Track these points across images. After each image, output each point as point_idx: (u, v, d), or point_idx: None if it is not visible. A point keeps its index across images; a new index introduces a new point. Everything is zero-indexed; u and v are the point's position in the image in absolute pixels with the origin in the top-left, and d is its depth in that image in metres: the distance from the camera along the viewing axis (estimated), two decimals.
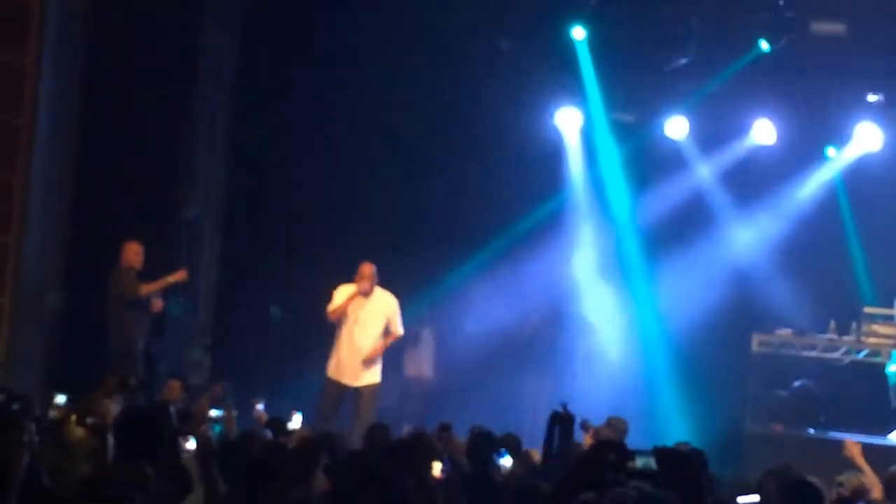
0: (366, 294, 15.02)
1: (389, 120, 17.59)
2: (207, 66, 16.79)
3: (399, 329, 15.28)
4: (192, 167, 16.75)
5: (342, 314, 14.99)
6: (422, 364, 17.94)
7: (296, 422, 11.87)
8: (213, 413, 11.71)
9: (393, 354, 17.54)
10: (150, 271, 14.77)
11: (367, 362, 15.02)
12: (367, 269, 15.06)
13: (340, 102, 17.47)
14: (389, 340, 15.23)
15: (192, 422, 10.28)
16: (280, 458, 7.97)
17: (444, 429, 11.06)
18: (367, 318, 15.06)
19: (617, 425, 12.19)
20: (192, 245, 16.63)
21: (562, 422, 10.06)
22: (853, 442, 11.47)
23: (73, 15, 15.34)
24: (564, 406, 10.14)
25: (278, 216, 17.46)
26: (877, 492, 10.48)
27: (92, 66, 15.77)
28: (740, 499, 6.79)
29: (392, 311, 15.20)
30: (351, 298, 14.99)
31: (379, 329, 15.12)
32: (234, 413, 12.72)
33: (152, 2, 16.05)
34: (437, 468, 8.79)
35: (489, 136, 17.70)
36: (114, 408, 10.24)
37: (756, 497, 6.80)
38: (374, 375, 15.11)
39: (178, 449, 8.86)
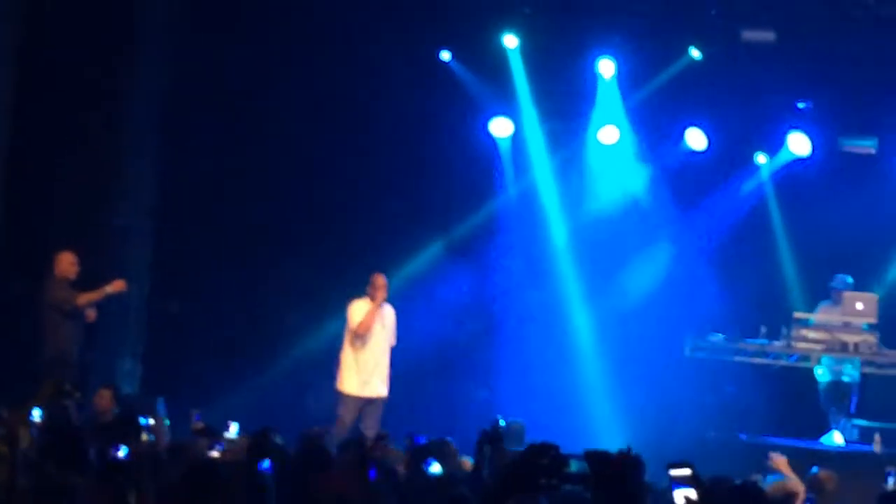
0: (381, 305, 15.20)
1: (322, 128, 17.54)
2: (137, 74, 16.67)
3: (395, 339, 15.41)
4: (122, 175, 16.62)
5: (369, 328, 15.02)
6: None
7: (232, 432, 11.80)
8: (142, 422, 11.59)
9: (333, 364, 17.53)
10: (80, 279, 14.65)
11: (383, 373, 15.19)
12: (382, 279, 15.23)
13: (272, 111, 17.40)
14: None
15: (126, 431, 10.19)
16: (214, 470, 7.90)
17: (381, 437, 11.05)
18: (381, 329, 15.20)
19: (514, 430, 12.19)
20: (122, 253, 16.51)
21: (492, 439, 10.11)
22: (779, 455, 11.57)
23: (2, 24, 15.21)
24: (495, 423, 10.17)
25: (210, 223, 17.36)
26: (802, 496, 10.63)
27: (23, 74, 15.65)
28: (672, 471, 6.78)
29: (394, 322, 15.36)
30: (374, 311, 15.09)
31: (389, 340, 15.26)
32: (166, 423, 12.66)
33: (84, 10, 15.94)
34: (362, 476, 8.78)
35: (423, 144, 17.70)
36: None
37: (688, 470, 6.80)
38: (385, 387, 15.27)
39: (110, 460, 8.78)
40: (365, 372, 15.11)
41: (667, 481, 7.17)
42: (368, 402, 15.15)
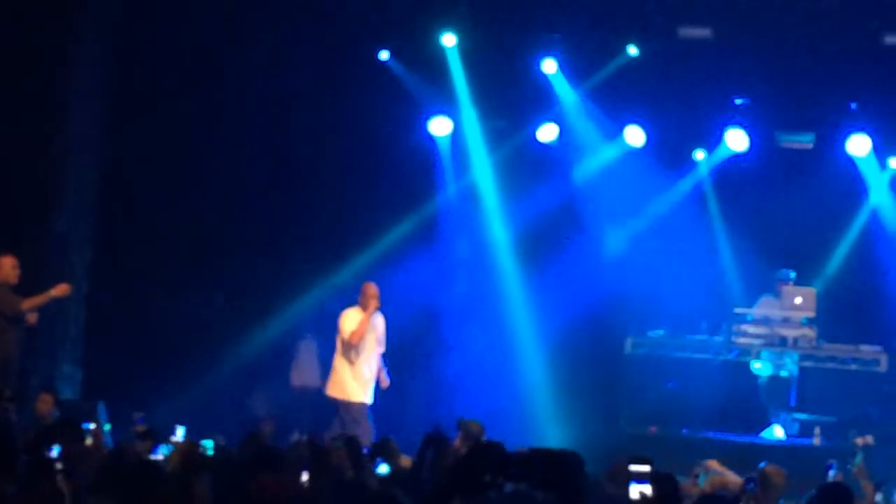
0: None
1: (262, 129, 17.49)
2: (77, 77, 16.54)
3: (384, 346, 15.33)
4: (61, 179, 16.49)
5: (364, 336, 14.98)
6: (305, 375, 17.85)
7: (179, 435, 11.73)
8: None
9: (281, 366, 17.50)
10: (18, 283, 14.52)
11: (372, 382, 15.11)
12: (374, 288, 15.11)
13: (214, 112, 17.31)
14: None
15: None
16: (154, 474, 7.83)
17: (333, 439, 11.04)
18: (373, 337, 15.10)
19: (472, 429, 12.19)
20: (61, 257, 16.37)
21: (435, 443, 10.11)
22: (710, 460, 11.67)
23: None
24: (437, 427, 10.18)
25: (150, 225, 17.26)
26: (737, 489, 10.72)
27: None
28: (632, 466, 6.82)
29: (384, 329, 15.28)
30: (366, 320, 14.99)
31: (379, 347, 15.20)
32: (107, 427, 12.57)
33: (20, 10, 15.79)
34: (304, 476, 8.75)
35: (363, 144, 17.68)
36: None
37: (647, 467, 6.84)
38: (371, 396, 15.16)
39: (45, 464, 8.69)
40: (361, 379, 15.01)
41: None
42: (361, 407, 15.02)
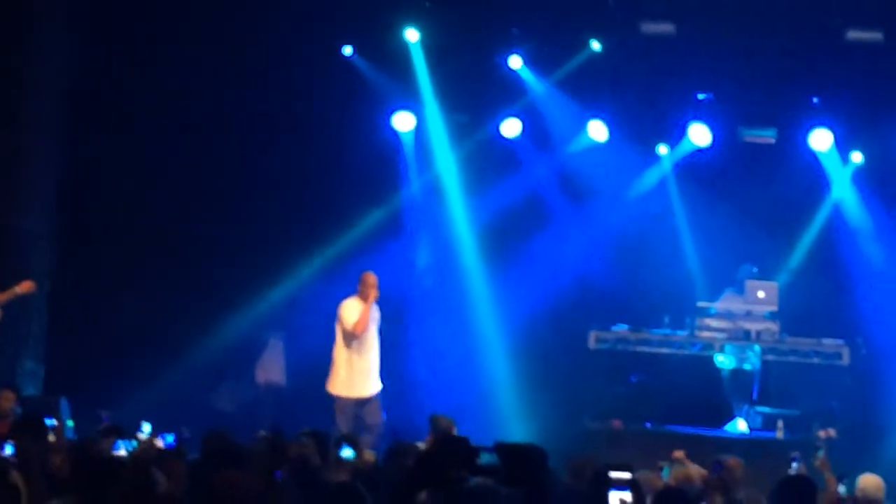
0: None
1: (224, 126, 17.41)
2: (38, 74, 16.46)
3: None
4: (23, 177, 16.41)
5: (366, 327, 14.87)
6: (270, 371, 17.83)
7: (146, 431, 11.68)
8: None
9: (246, 361, 17.44)
10: None
11: (375, 371, 14.99)
12: (374, 278, 14.98)
13: (174, 109, 17.24)
14: None
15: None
16: (116, 470, 7.80)
17: (304, 435, 11.00)
18: (375, 327, 15.02)
19: (440, 424, 12.20)
20: (23, 255, 16.29)
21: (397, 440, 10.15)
22: (678, 451, 11.69)
23: None
24: (397, 438, 10.24)
25: (113, 222, 17.19)
26: (701, 482, 10.78)
27: None
28: (611, 473, 6.83)
29: (379, 319, 15.18)
30: (368, 310, 14.88)
31: (377, 337, 15.10)
32: (70, 423, 12.51)
33: None
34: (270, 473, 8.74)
35: (327, 140, 17.63)
36: None
37: (628, 474, 6.86)
38: (378, 382, 15.06)
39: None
40: (360, 372, 14.88)
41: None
42: (365, 402, 14.91)
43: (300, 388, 17.31)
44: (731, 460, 11.24)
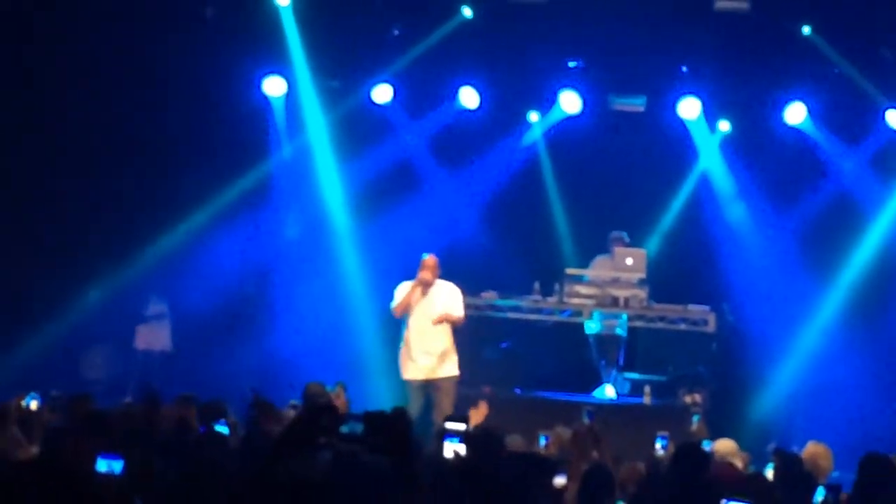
0: (428, 285, 14.62)
1: (90, 92, 17.11)
2: None
3: (460, 312, 14.77)
4: None
5: (406, 309, 14.60)
6: (151, 337, 17.65)
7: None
8: None
9: (125, 329, 17.24)
10: None
11: (442, 354, 14.64)
12: (431, 260, 14.65)
13: (36, 73, 16.93)
14: (454, 327, 14.80)
15: None
16: None
17: (186, 399, 10.89)
18: (434, 310, 14.62)
19: (311, 390, 12.16)
20: None
21: (259, 407, 10.09)
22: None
23: None
24: (256, 394, 10.17)
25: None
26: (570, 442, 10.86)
27: None
28: (448, 424, 6.82)
29: (453, 299, 14.75)
30: (413, 291, 14.58)
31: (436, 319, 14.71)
32: None
33: None
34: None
35: (194, 105, 17.42)
36: None
37: (463, 425, 6.85)
38: (451, 368, 14.70)
39: None
40: (415, 353, 14.61)
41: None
42: (433, 387, 14.52)
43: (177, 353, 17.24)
44: (595, 424, 11.35)
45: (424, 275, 14.62)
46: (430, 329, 14.63)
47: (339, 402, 11.99)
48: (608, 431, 11.43)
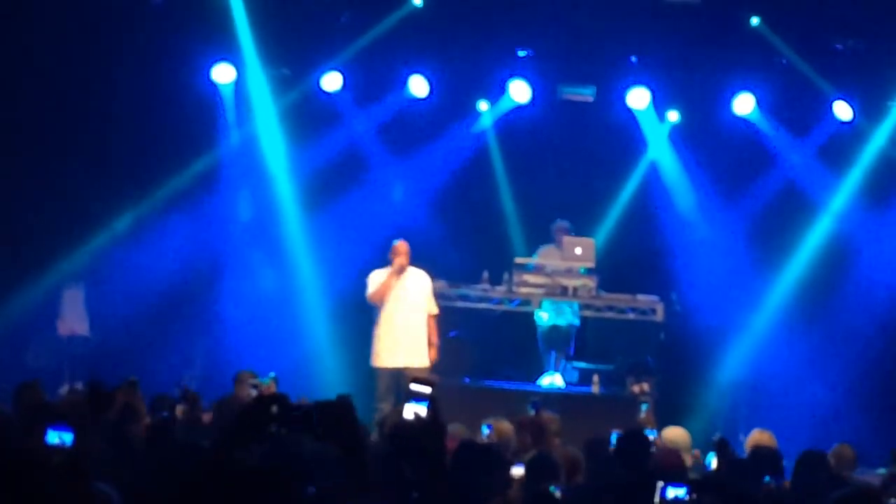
0: (401, 271, 14.61)
1: (40, 78, 16.97)
2: None
3: (434, 307, 14.87)
4: None
5: (383, 296, 14.53)
6: (71, 322, 17.52)
7: None
8: None
9: (47, 315, 17.10)
10: None
11: (416, 342, 14.60)
12: (403, 246, 14.69)
13: None
14: (430, 320, 14.84)
15: None
16: None
17: (132, 384, 10.82)
18: (407, 296, 14.60)
19: (243, 377, 12.15)
20: None
21: (187, 400, 10.05)
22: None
23: None
24: (184, 388, 10.13)
25: None
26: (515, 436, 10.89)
27: None
28: (413, 385, 6.81)
29: (428, 289, 14.80)
30: (389, 278, 14.55)
31: (421, 307, 14.72)
32: None
33: None
34: None
35: (142, 93, 17.30)
36: None
37: (429, 389, 6.83)
38: (423, 358, 14.69)
39: None
40: (389, 341, 14.62)
41: None
42: (404, 376, 14.31)
43: (108, 341, 17.08)
44: (546, 415, 11.38)
45: (400, 261, 14.69)
46: (407, 315, 14.70)
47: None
48: (557, 421, 11.49)
